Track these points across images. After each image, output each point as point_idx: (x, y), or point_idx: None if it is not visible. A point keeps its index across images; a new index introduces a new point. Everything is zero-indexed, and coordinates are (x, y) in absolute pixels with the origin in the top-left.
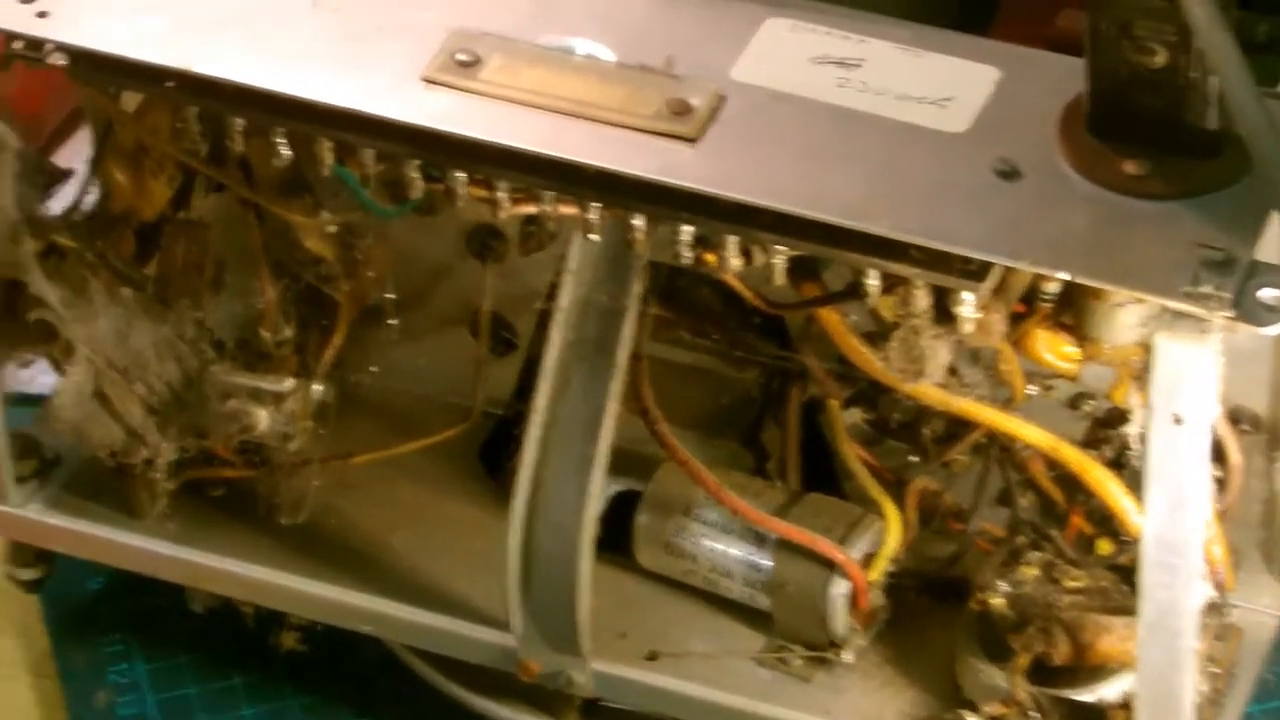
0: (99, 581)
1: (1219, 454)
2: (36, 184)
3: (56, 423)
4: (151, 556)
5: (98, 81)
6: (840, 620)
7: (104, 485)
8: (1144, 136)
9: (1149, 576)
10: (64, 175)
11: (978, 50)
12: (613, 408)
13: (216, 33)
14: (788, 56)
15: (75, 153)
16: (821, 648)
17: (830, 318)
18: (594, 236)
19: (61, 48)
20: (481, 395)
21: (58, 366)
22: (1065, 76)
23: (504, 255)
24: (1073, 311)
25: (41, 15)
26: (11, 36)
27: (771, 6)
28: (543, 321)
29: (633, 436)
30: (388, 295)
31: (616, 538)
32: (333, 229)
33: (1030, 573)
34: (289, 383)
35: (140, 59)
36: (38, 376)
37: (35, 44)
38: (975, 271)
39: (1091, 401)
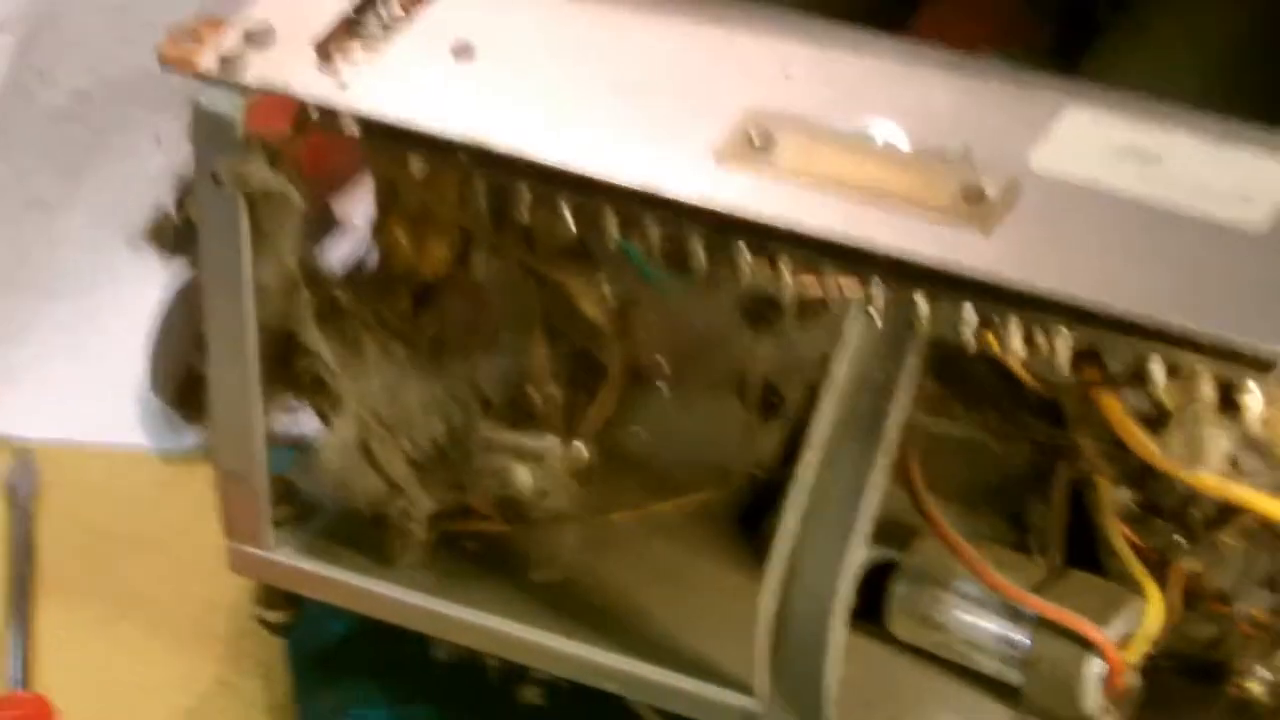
0: (344, 625)
1: None
2: (319, 239)
3: (320, 473)
4: (400, 605)
5: (391, 150)
6: (1093, 700)
7: (358, 534)
8: None
9: None
10: (343, 226)
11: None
12: (878, 480)
13: (512, 108)
14: (1088, 147)
15: (355, 204)
16: None
17: (1110, 402)
18: (876, 315)
19: (358, 119)
20: (747, 459)
21: (324, 417)
22: None
23: (778, 325)
24: None
25: (340, 86)
26: (310, 106)
27: (1074, 95)
28: (814, 392)
29: (894, 506)
30: (658, 358)
31: (870, 606)
32: (610, 298)
33: None
34: (553, 441)
35: (434, 132)
36: (299, 419)
37: (332, 113)
38: (1263, 363)
39: None
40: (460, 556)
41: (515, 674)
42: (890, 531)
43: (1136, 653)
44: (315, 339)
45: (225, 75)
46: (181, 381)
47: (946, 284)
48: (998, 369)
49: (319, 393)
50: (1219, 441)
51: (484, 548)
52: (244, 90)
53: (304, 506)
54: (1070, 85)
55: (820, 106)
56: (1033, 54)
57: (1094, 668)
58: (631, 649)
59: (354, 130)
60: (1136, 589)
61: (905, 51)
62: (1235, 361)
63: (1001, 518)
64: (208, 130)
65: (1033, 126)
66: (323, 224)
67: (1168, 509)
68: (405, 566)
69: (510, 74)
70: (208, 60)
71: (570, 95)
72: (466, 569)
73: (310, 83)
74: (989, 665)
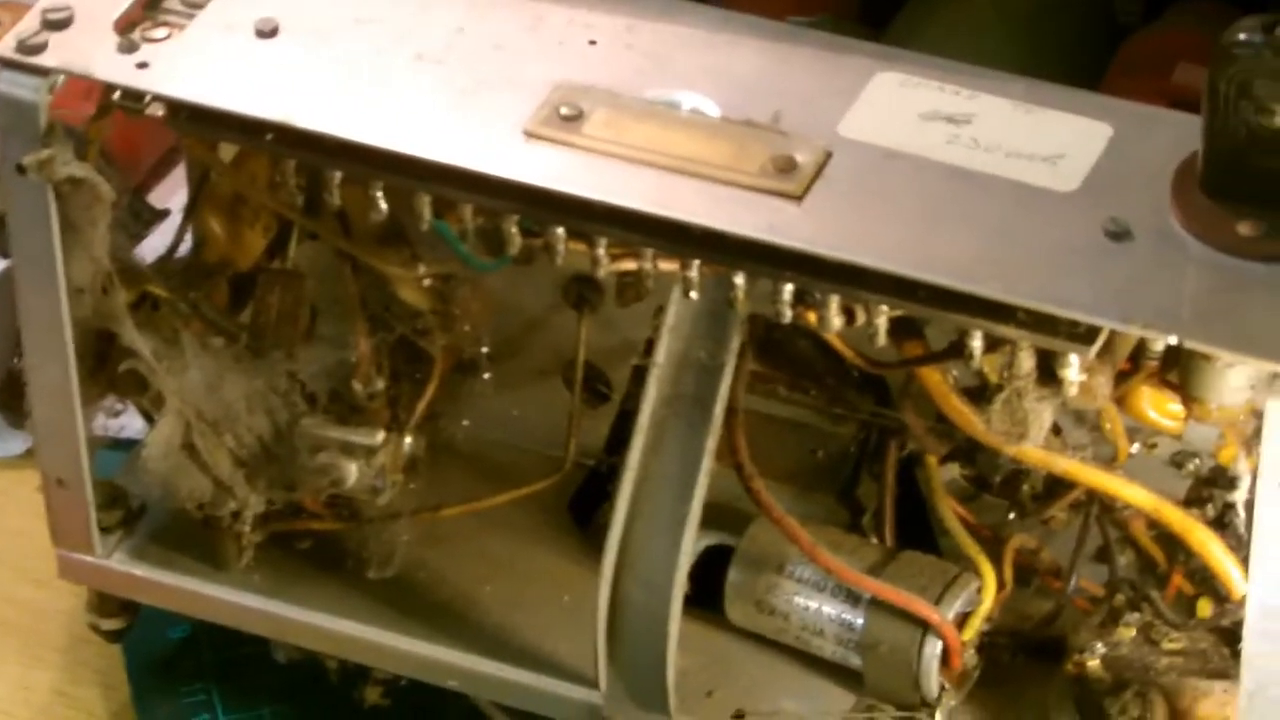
0: (181, 631)
1: None
2: (131, 230)
3: (145, 475)
4: (236, 608)
5: (196, 132)
6: (933, 680)
7: (190, 536)
8: (1260, 197)
9: (1251, 645)
10: (160, 215)
11: (1090, 106)
12: (707, 464)
13: (317, 85)
14: (897, 112)
15: (171, 190)
16: (913, 708)
17: (931, 376)
18: (694, 294)
19: (160, 99)
20: (574, 447)
21: (147, 416)
22: (1180, 134)
23: (600, 307)
24: (1179, 370)
25: (142, 66)
26: (111, 88)
27: (882, 60)
28: (638, 375)
29: (725, 490)
30: (482, 349)
31: (707, 593)
32: (429, 281)
33: (1128, 634)
34: (379, 436)
35: (240, 111)
36: (126, 422)
37: (135, 95)
38: (1083, 334)
39: (1195, 460)
40: (294, 556)
41: (356, 674)
42: (724, 517)
43: (973, 631)
44: (133, 335)
45: (24, 58)
46: (4, 383)
47: (761, 258)
48: (822, 345)
49: (141, 391)
50: (1041, 415)
51: (317, 547)
52: (44, 73)
53: (133, 511)
54: (878, 50)
55: (628, 76)
56: (840, 20)
57: (932, 648)
58: (471, 645)
59: (158, 112)
60: (971, 567)
61: (712, 18)
62: (1054, 334)
63: (834, 499)
64: (9, 117)
65: (842, 93)
66: (139, 214)
67: (997, 485)
68: (239, 568)
69: (315, 51)
70: (5, 44)
71: (377, 72)
72: (301, 569)
73: (111, 64)
74: (829, 650)
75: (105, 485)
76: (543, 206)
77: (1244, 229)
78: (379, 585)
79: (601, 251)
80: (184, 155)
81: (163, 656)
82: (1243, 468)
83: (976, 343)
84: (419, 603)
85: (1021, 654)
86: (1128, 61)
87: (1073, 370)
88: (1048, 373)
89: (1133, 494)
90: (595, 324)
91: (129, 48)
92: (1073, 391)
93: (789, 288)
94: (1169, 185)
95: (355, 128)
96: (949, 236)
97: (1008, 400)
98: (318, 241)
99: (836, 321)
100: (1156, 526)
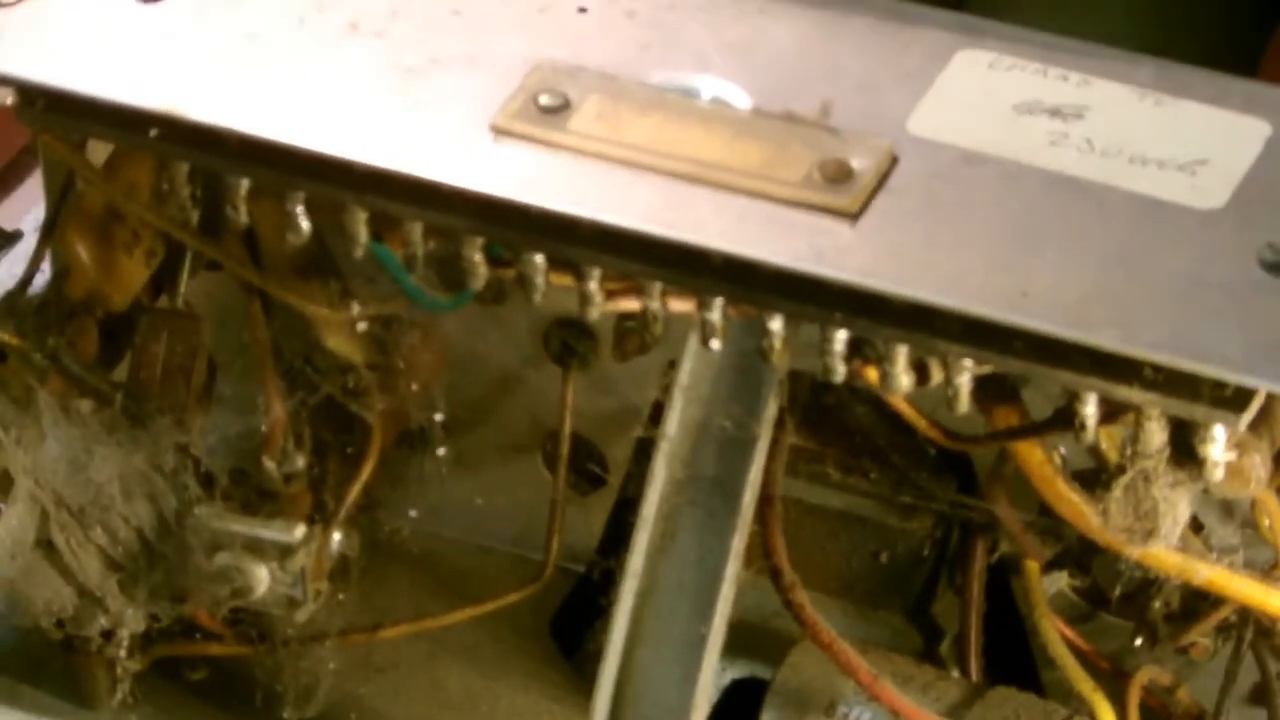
0: None
1: None
2: None
3: None
4: None
5: (56, 126)
6: None
7: (47, 663)
8: None
9: None
10: (9, 239)
11: (1241, 97)
12: (734, 570)
13: (216, 65)
14: (984, 101)
15: (24, 207)
16: None
17: (1031, 455)
18: (715, 343)
19: (8, 81)
20: (557, 547)
21: None
22: None
23: (592, 360)
24: None
25: None
26: None
27: (965, 35)
28: (643, 451)
29: (757, 605)
30: (435, 415)
31: None
32: (364, 325)
33: None
34: (298, 531)
35: (114, 99)
36: None
37: None
38: (1231, 399)
39: None
40: (184, 691)
41: None
42: (755, 640)
43: None
44: None
45: None
46: None
47: (804, 296)
48: (885, 413)
49: None
50: (1176, 506)
51: (215, 677)
52: None
53: None
54: (960, 21)
55: (629, 54)
56: None
57: None
58: None
59: (4, 99)
60: (1084, 709)
61: None
62: (1193, 398)
63: (903, 618)
64: None
65: (912, 77)
66: None
67: (1118, 600)
68: (111, 707)
69: (215, 20)
70: None
71: (297, 47)
72: (193, 708)
73: None
74: None
75: None
76: (515, 226)
77: None
78: None
79: (593, 286)
80: (40, 158)
81: None
82: None
83: (1090, 409)
84: None
85: None
86: None
87: (1217, 446)
88: (1184, 450)
89: None
90: (586, 383)
91: None
92: (1218, 475)
93: (842, 335)
94: None
95: (267, 121)
96: (1053, 267)
97: (1131, 486)
98: (218, 272)
99: (905, 380)
100: None
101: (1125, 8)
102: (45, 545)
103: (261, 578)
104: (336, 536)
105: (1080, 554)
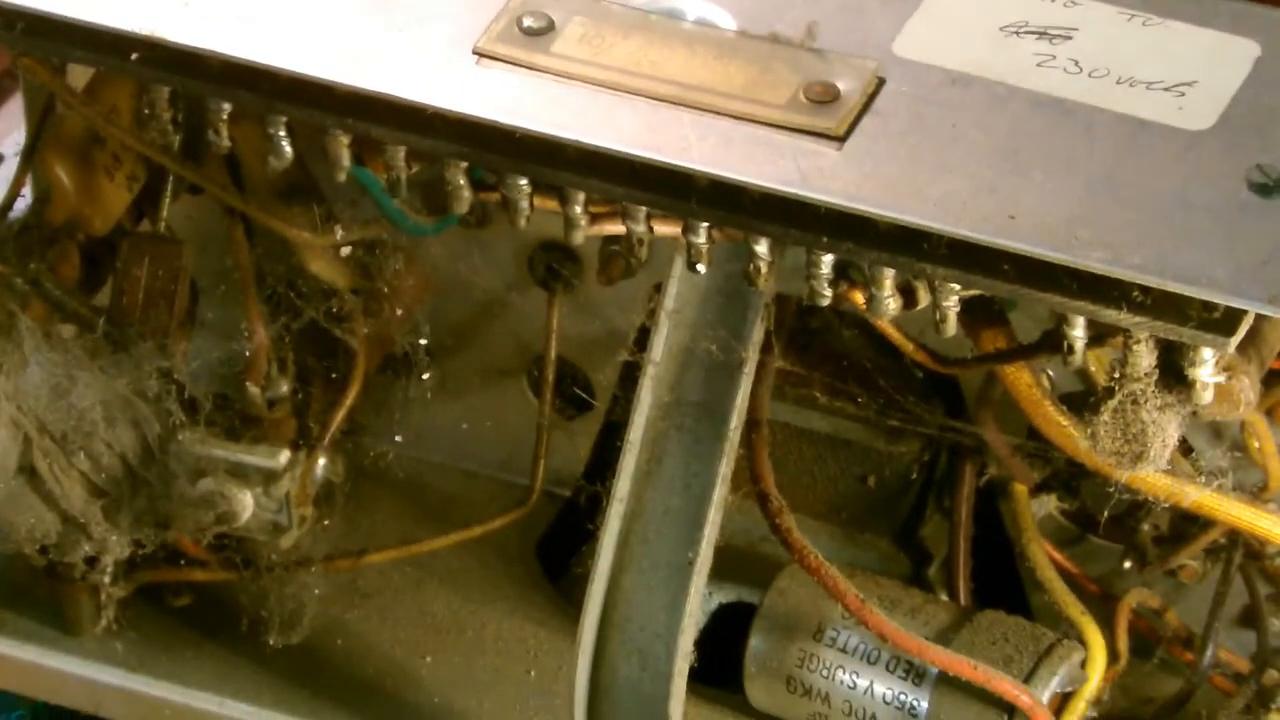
0: (17, 716)
1: None
2: None
3: None
4: (91, 686)
5: (36, 49)
6: None
7: (30, 590)
8: None
9: None
10: None
11: (1230, 17)
12: (720, 494)
13: None
14: (971, 22)
15: (4, 132)
16: None
17: (1019, 378)
18: (701, 267)
19: None
20: (542, 472)
21: None
22: None
23: (577, 284)
24: None
25: None
26: None
27: None
28: (629, 375)
29: (745, 529)
30: (419, 340)
31: (720, 667)
32: (347, 249)
33: None
34: (283, 456)
35: (94, 22)
36: None
37: None
38: (1219, 321)
39: None
40: (168, 617)
41: None
42: (743, 565)
43: (1075, 717)
44: None
45: None
46: None
47: (790, 219)
48: (873, 337)
49: None
50: (1165, 429)
51: (199, 604)
52: None
53: None
54: None
55: None
56: None
57: None
58: None
59: None
60: (1073, 633)
61: None
62: (1181, 320)
63: (890, 541)
64: None
65: None
66: None
67: (1107, 523)
68: (95, 633)
69: None
70: None
71: None
72: (177, 634)
73: None
74: None
75: None
76: (499, 149)
77: None
78: (282, 655)
79: (578, 210)
80: (21, 81)
81: None
82: None
83: (1078, 332)
84: (335, 679)
85: None
86: None
87: (1206, 369)
88: (1173, 373)
89: None
90: (571, 308)
91: None
92: (1206, 398)
93: (828, 258)
94: None
95: (248, 44)
96: (1040, 190)
97: (1120, 409)
98: (199, 197)
99: (892, 304)
100: None
101: None
102: (28, 471)
103: (246, 503)
104: (321, 462)
105: (1069, 477)
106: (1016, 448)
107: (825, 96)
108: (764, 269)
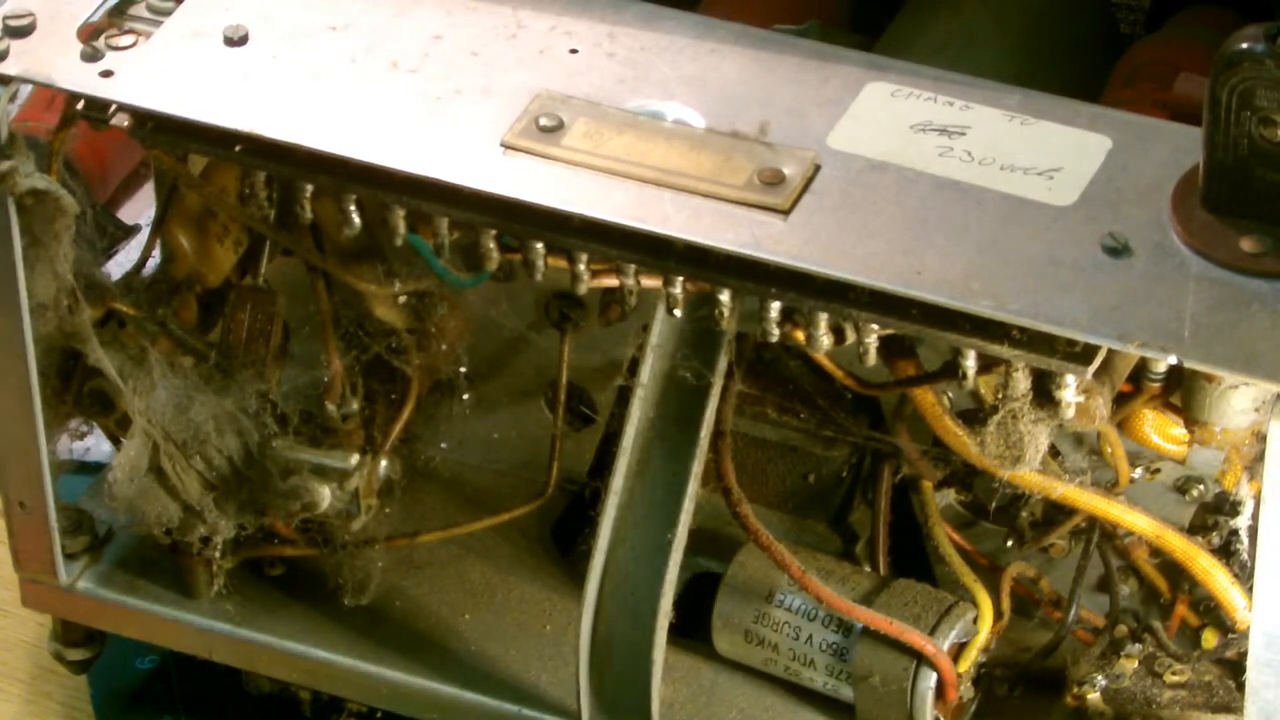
0: (150, 662)
1: None
2: (97, 246)
3: (111, 499)
4: (206, 637)
5: (162, 143)
6: (927, 714)
7: (158, 563)
8: (1263, 212)
9: (1256, 675)
10: (129, 231)
11: (1088, 118)
12: (693, 488)
13: (287, 95)
14: (888, 123)
15: (142, 207)
16: None
17: (924, 398)
18: (678, 311)
19: (125, 109)
20: (557, 471)
21: (114, 438)
22: (1180, 147)
23: (583, 325)
24: (1182, 392)
25: (106, 75)
26: (75, 97)
27: (872, 70)
28: (623, 396)
29: (713, 515)
30: (460, 369)
31: (693, 622)
32: (404, 298)
33: (1130, 665)
34: (353, 458)
35: (207, 121)
36: (92, 444)
37: (99, 104)
38: (1080, 354)
39: (1199, 486)
40: (266, 584)
41: (330, 707)
42: (711, 543)
43: (969, 663)
44: (98, 353)
45: None
46: None
47: (746, 274)
48: (812, 365)
49: (107, 412)
50: (1038, 437)
51: (290, 574)
52: (4, 82)
53: (99, 537)
54: (869, 60)
55: (609, 86)
56: (829, 28)
57: (927, 680)
58: (449, 676)
59: (122, 123)
60: (967, 596)
61: (697, 26)
62: (1049, 353)
63: (826, 525)
64: None
65: (831, 104)
66: (105, 229)
67: (994, 511)
68: (209, 596)
69: (286, 60)
70: None
71: (349, 80)
72: (273, 596)
73: (74, 73)
74: (820, 681)
75: (70, 510)
76: (521, 220)
77: (1246, 245)
78: (354, 613)
79: (582, 267)
80: (151, 169)
81: (130, 688)
82: (1246, 493)
83: (970, 363)
84: (395, 632)
85: (1019, 687)
86: (1129, 72)
87: (1069, 391)
88: (1044, 394)
89: (1134, 520)
90: (578, 343)
91: (93, 55)
92: (1070, 413)
93: (776, 305)
94: (1169, 200)
95: (326, 138)
96: (941, 251)
97: (1002, 422)
98: (290, 257)
99: (825, 340)
100: (1159, 554)
101: (997, 50)
102: (156, 471)
103: (325, 495)
104: (383, 463)
105: (964, 475)
106: (924, 452)
107: (774, 179)
108: (727, 313)
